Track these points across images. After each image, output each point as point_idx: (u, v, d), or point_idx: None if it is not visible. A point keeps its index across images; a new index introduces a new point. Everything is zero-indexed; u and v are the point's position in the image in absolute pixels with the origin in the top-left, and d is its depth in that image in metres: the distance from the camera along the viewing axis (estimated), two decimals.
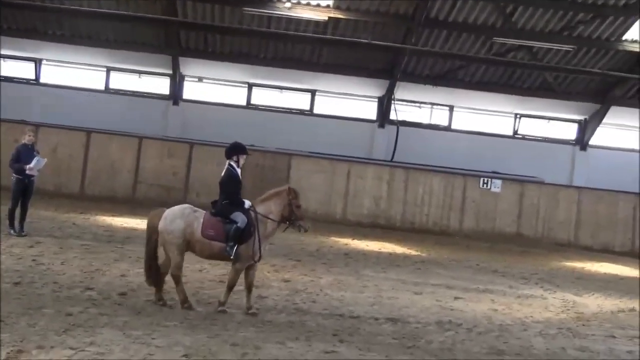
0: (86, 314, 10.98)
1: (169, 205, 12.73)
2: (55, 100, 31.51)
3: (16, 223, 18.18)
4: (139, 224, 23.12)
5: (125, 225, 22.61)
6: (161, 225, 12.10)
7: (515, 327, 13.46)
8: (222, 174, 12.63)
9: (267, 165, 29.97)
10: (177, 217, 12.09)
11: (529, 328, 13.46)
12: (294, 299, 13.70)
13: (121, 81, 33.41)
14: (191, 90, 33.55)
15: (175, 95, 32.87)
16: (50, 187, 27.83)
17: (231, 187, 12.45)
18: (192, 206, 12.50)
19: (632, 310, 16.43)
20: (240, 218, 12.06)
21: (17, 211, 18.29)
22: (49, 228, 19.79)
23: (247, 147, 13.02)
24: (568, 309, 15.95)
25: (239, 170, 12.64)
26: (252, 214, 12.25)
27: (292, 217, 12.47)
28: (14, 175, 18.45)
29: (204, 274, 15.42)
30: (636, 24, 29.10)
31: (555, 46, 30.20)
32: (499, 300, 16.29)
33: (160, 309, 11.88)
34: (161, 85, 33.33)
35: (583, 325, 14.24)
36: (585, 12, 28.86)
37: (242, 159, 12.77)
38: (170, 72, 32.61)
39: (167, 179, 29.78)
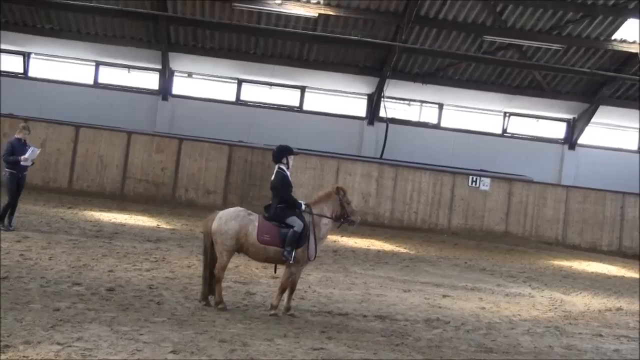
0: (74, 309, 10.95)
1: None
2: (44, 95, 31.43)
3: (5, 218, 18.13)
4: (127, 219, 23.16)
5: (113, 220, 22.57)
6: (215, 225, 12.12)
7: (502, 325, 13.50)
8: (272, 177, 12.60)
9: (256, 161, 29.95)
10: (231, 219, 12.12)
11: (516, 326, 13.50)
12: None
13: (110, 76, 33.32)
14: (180, 85, 33.49)
15: (165, 90, 32.79)
16: (39, 182, 27.79)
17: (284, 191, 12.42)
18: (245, 209, 12.49)
19: (619, 309, 16.50)
20: (296, 222, 12.09)
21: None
22: (37, 223, 19.73)
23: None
24: (555, 308, 16.01)
25: (289, 172, 12.59)
26: (307, 215, 12.29)
27: (345, 215, 12.62)
28: (6, 169, 18.35)
29: (192, 270, 15.40)
30: (625, 23, 29.18)
31: (545, 45, 30.26)
32: (487, 298, 16.34)
33: (148, 304, 11.84)
34: (150, 80, 33.25)
35: (570, 323, 14.30)
36: (574, 12, 28.95)
37: (291, 160, 12.75)
38: (160, 67, 32.52)
39: (156, 174, 29.73)
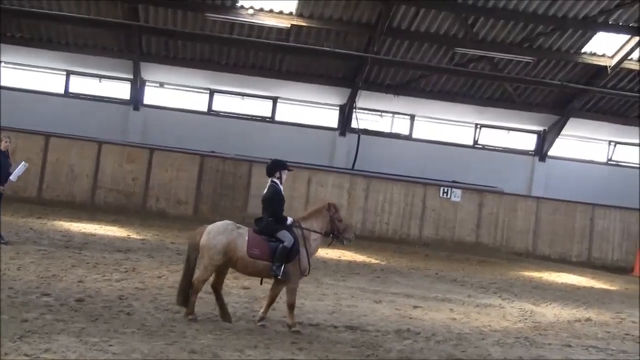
0: (42, 320, 10.85)
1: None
2: (14, 104, 31.04)
3: None
4: (97, 229, 23.01)
5: (83, 230, 22.40)
6: (203, 239, 12.03)
7: (473, 336, 13.53)
8: (265, 191, 12.55)
9: (228, 171, 29.90)
10: (220, 233, 12.02)
11: (486, 337, 13.54)
12: (253, 306, 13.66)
13: (81, 85, 33.10)
14: (152, 95, 33.34)
15: (136, 100, 32.66)
16: (8, 191, 27.36)
17: (276, 205, 12.35)
18: (234, 222, 12.38)
19: (588, 320, 16.61)
20: (287, 237, 12.02)
21: None
22: (6, 233, 19.48)
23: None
24: (525, 318, 16.08)
25: (281, 187, 12.52)
26: (297, 230, 12.23)
27: (335, 232, 12.57)
28: None
29: (163, 281, 15.33)
30: (595, 37, 29.48)
31: (516, 57, 30.48)
32: (457, 309, 16.38)
33: (118, 315, 11.76)
34: (122, 90, 33.08)
35: (540, 334, 14.36)
36: (545, 25, 29.15)
37: (285, 175, 12.68)
38: (131, 76, 32.38)
39: (127, 184, 29.58)
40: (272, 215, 12.27)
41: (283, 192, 12.57)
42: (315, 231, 12.42)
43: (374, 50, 30.01)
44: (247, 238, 12.02)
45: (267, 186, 12.58)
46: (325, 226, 12.54)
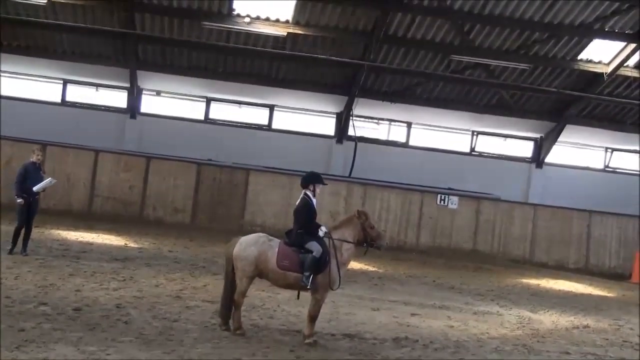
0: (39, 329, 10.83)
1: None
2: (11, 113, 31.02)
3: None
4: (94, 238, 22.97)
5: (80, 239, 22.37)
6: (235, 250, 12.04)
7: (471, 343, 13.52)
8: (297, 202, 12.44)
9: (225, 179, 29.91)
10: (250, 245, 12.02)
11: (485, 344, 13.52)
12: (251, 314, 13.62)
13: (78, 94, 33.09)
14: (149, 103, 33.34)
15: (133, 108, 32.66)
16: (5, 200, 27.43)
17: (306, 217, 12.25)
18: (267, 235, 12.37)
19: (586, 327, 16.61)
20: (315, 247, 11.90)
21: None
22: (3, 242, 19.44)
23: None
24: (523, 326, 16.07)
25: (314, 200, 12.43)
26: (328, 240, 12.12)
27: (368, 239, 12.42)
28: (17, 195, 18.20)
29: (160, 289, 15.30)
30: (591, 44, 29.52)
31: (512, 64, 30.49)
32: (455, 316, 16.36)
33: (115, 324, 11.74)
34: (118, 99, 33.07)
35: (538, 341, 14.35)
36: (541, 32, 29.21)
37: (318, 189, 12.55)
38: (128, 85, 32.39)
39: (124, 192, 29.57)
40: (301, 227, 12.19)
41: (315, 205, 12.44)
42: (347, 241, 12.29)
43: (371, 58, 30.03)
44: (277, 250, 11.99)
45: (300, 198, 12.48)
46: (357, 234, 12.36)
